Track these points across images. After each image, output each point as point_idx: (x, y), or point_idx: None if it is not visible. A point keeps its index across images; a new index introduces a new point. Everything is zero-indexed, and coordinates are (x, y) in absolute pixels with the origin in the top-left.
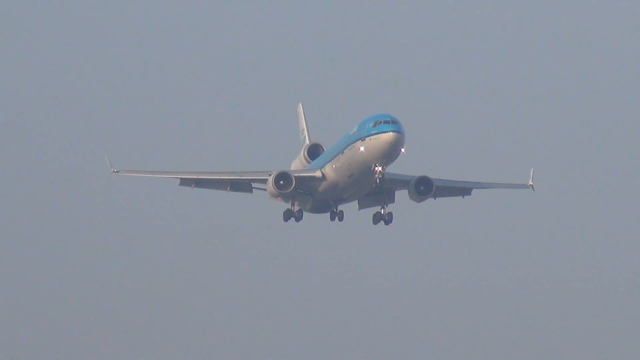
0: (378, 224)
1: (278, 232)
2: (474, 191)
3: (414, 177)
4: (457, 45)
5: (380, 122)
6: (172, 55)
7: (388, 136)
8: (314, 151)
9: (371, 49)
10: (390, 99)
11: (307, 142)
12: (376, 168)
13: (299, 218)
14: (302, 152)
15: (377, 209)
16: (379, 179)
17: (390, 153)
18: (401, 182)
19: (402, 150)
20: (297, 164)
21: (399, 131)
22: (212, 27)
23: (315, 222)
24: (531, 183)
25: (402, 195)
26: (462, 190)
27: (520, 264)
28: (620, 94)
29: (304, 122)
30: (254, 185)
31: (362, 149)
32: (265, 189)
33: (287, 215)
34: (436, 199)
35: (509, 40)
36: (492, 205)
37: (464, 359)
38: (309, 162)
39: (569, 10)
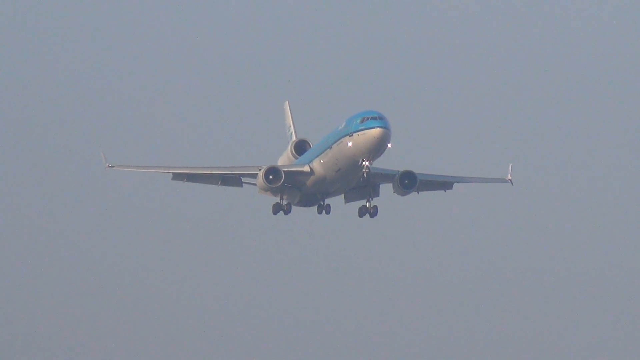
0: (364, 216)
1: (267, 225)
2: (455, 185)
3: (398, 171)
4: (438, 40)
5: (368, 118)
6: (163, 52)
7: (375, 132)
8: (300, 147)
9: (355, 46)
10: (373, 95)
11: (294, 138)
12: (363, 162)
13: (287, 211)
14: (289, 148)
15: (362, 202)
16: (366, 173)
17: (377, 148)
18: (386, 176)
19: (389, 145)
20: (285, 160)
21: (385, 127)
22: (203, 24)
23: (303, 215)
24: (510, 177)
25: (386, 189)
26: (444, 184)
27: (501, 255)
28: (598, 88)
29: (291, 119)
30: (243, 180)
31: (350, 144)
32: (254, 184)
33: (276, 208)
34: (419, 192)
35: (488, 33)
36: (472, 199)
37: (449, 351)
38: (295, 158)
39: (544, 6)
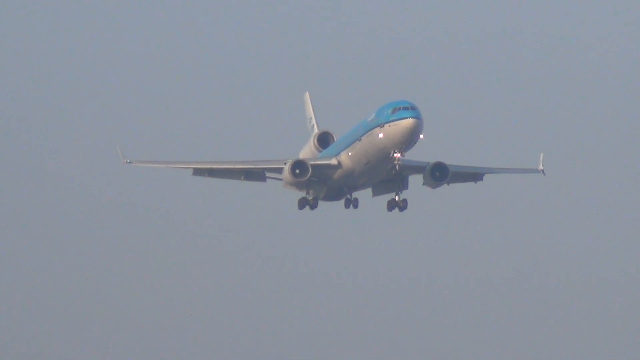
0: (392, 210)
1: (293, 220)
2: (485, 176)
3: (429, 163)
4: (466, 33)
5: (399, 109)
6: (181, 46)
7: (408, 122)
8: (323, 139)
9: (377, 37)
10: (396, 86)
11: (316, 130)
12: (395, 154)
13: (314, 206)
14: (311, 140)
15: (391, 195)
16: (398, 165)
17: (409, 139)
18: (416, 168)
19: (421, 136)
20: (307, 152)
21: (418, 117)
22: (222, 18)
23: (330, 209)
24: (542, 168)
25: (414, 181)
26: (474, 175)
27: (535, 251)
28: (630, 82)
29: (312, 110)
30: (267, 174)
31: (381, 135)
32: (278, 178)
33: (302, 203)
34: (449, 185)
35: (516, 29)
36: (504, 190)
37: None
38: (319, 150)
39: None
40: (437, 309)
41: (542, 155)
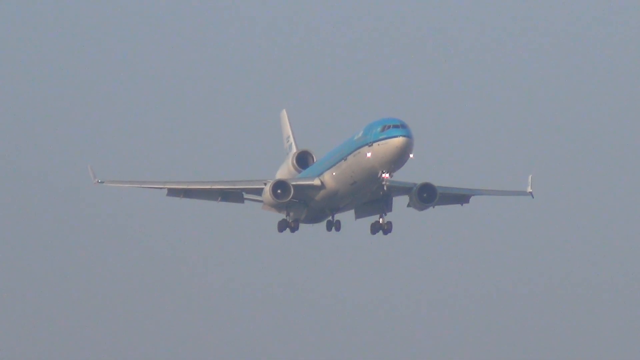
0: (376, 233)
1: (273, 243)
2: (472, 198)
3: (415, 184)
4: (452, 48)
5: (389, 127)
6: (154, 61)
7: (398, 141)
8: (302, 159)
9: (359, 52)
10: (379, 104)
11: (294, 149)
12: (383, 174)
13: (294, 228)
14: (290, 159)
15: (375, 217)
16: (386, 186)
17: (399, 159)
18: (402, 189)
19: (411, 155)
20: (284, 173)
21: (408, 136)
22: (196, 31)
23: (311, 232)
24: (530, 190)
25: (397, 202)
26: (461, 197)
27: (522, 273)
28: (619, 100)
29: (289, 128)
30: (245, 195)
31: (369, 154)
32: (257, 200)
33: (282, 225)
34: (434, 207)
35: (506, 44)
36: (491, 212)
37: None
38: (298, 170)
39: (570, 14)
40: (424, 337)
41: (530, 177)
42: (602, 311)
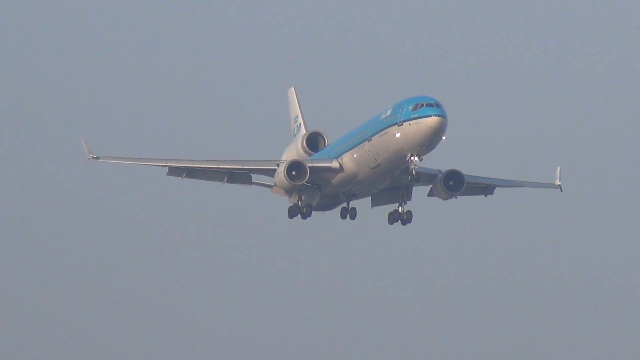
0: (394, 223)
1: (283, 230)
2: (496, 190)
3: (440, 171)
4: (474, 36)
5: (422, 105)
6: (158, 39)
7: (432, 121)
8: (312, 141)
9: (374, 33)
10: (393, 87)
11: (303, 131)
12: (411, 158)
13: (306, 215)
14: (299, 141)
15: (392, 206)
16: (414, 170)
17: (432, 140)
18: (426, 176)
19: (444, 137)
20: (292, 155)
21: (443, 115)
22: (203, 6)
23: (324, 219)
24: (559, 182)
25: (416, 192)
26: (485, 188)
27: (547, 269)
28: None
29: (298, 108)
30: (254, 178)
31: (398, 135)
32: (265, 184)
33: (294, 211)
34: (457, 197)
35: (529, 35)
36: (516, 205)
37: None
38: (308, 153)
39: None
40: (436, 332)
41: (559, 168)
42: (623, 308)
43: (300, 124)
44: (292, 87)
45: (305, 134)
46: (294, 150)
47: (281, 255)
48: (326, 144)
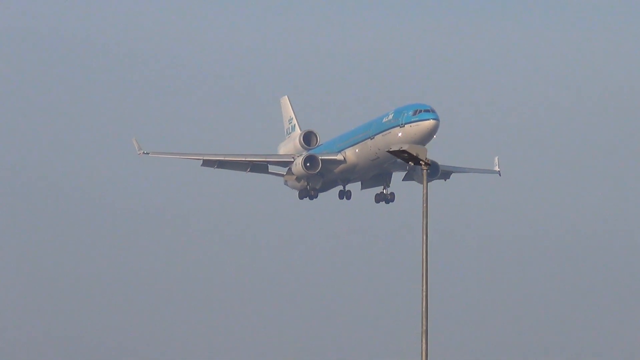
0: (380, 203)
1: (296, 209)
2: (452, 175)
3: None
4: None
5: (420, 111)
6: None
7: (430, 123)
8: (307, 138)
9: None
10: (364, 90)
11: (298, 130)
12: None
13: (313, 196)
14: (297, 138)
15: (378, 189)
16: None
17: (427, 139)
18: (404, 165)
19: (434, 136)
20: (290, 149)
21: (438, 119)
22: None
23: (327, 200)
24: (498, 169)
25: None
26: (445, 174)
27: (517, 238)
28: (581, 82)
29: (292, 112)
30: (270, 169)
31: (400, 134)
32: (278, 173)
33: (303, 194)
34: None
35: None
36: (466, 187)
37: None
38: (305, 148)
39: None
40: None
41: (497, 158)
42: (572, 289)
43: (294, 124)
44: (286, 96)
45: (302, 132)
46: (292, 145)
47: (296, 228)
48: (318, 141)
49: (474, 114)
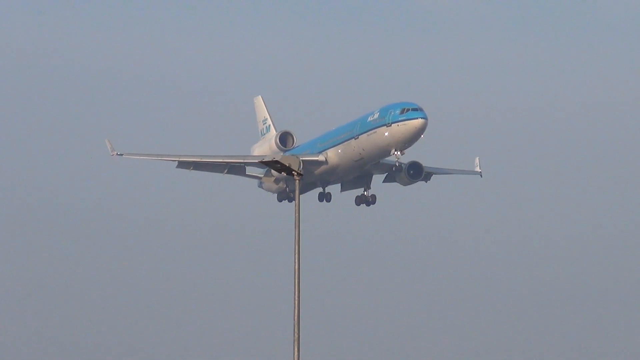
0: (360, 205)
1: (274, 211)
2: (433, 177)
3: (403, 163)
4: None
5: (408, 110)
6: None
7: (417, 122)
8: (283, 138)
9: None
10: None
11: (273, 131)
12: (395, 152)
13: (292, 199)
14: (273, 139)
15: (358, 191)
16: (398, 162)
17: (415, 138)
18: (387, 167)
19: (422, 136)
20: (265, 150)
21: (426, 118)
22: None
23: (307, 202)
24: (479, 170)
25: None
26: (426, 175)
27: (505, 240)
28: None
29: (267, 112)
30: (247, 171)
31: (386, 134)
32: (256, 176)
33: (282, 196)
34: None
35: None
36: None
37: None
38: (281, 149)
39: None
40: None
41: (477, 158)
42: (546, 282)
43: (269, 125)
44: (260, 96)
45: (278, 133)
46: (267, 146)
47: (276, 230)
48: (295, 142)
49: (454, 115)
